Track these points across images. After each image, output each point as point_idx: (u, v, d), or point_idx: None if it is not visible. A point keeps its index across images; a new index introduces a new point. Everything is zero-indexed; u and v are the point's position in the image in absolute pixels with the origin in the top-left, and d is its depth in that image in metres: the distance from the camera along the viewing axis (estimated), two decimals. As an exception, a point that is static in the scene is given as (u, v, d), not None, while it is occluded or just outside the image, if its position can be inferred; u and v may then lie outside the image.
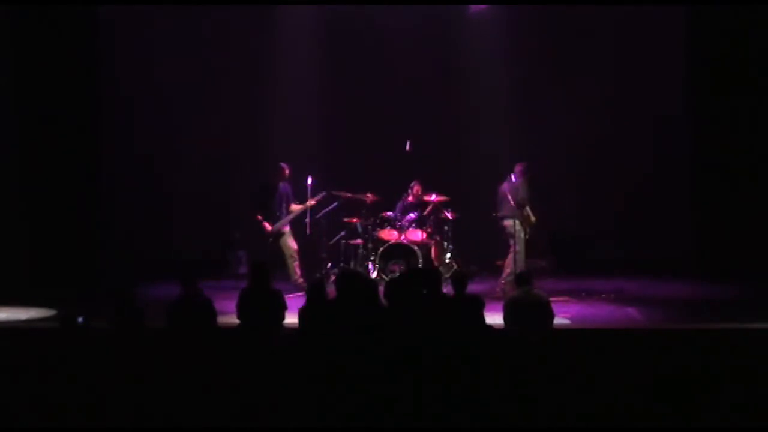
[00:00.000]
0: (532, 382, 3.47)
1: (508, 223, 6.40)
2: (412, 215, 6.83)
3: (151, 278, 6.56)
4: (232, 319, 4.54)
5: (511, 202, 6.34)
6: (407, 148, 6.91)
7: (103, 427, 3.31)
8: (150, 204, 7.70)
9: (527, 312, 4.33)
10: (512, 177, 6.59)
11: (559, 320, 4.76)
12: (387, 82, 7.81)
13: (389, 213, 6.87)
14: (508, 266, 6.34)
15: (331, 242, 7.00)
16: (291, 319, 4.47)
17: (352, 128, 7.85)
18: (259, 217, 6.54)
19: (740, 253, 6.91)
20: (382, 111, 7.82)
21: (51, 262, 6.97)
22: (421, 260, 6.51)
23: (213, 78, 7.79)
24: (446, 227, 6.91)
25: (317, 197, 6.56)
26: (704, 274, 6.96)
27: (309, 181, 6.60)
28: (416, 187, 6.94)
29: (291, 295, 5.61)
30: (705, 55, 7.31)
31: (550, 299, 4.53)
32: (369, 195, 6.78)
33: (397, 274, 6.16)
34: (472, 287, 4.61)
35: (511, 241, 6.38)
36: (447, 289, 4.71)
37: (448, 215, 6.85)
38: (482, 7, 7.80)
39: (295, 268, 6.50)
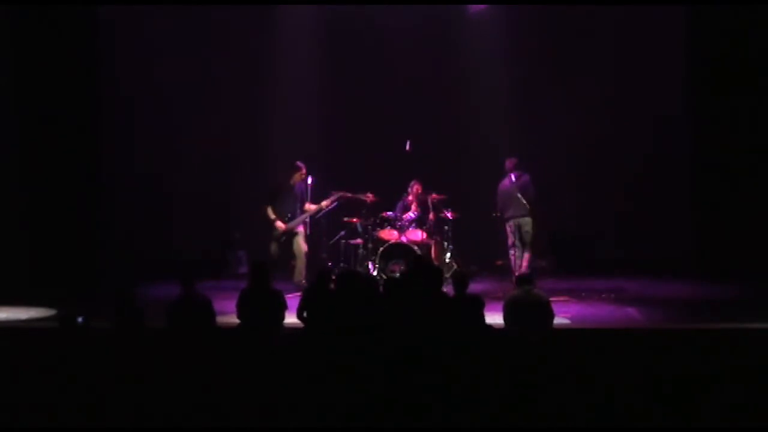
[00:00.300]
0: (532, 382, 3.46)
1: (524, 221, 6.37)
2: (411, 215, 6.83)
3: (151, 278, 6.55)
4: (232, 319, 4.53)
5: (524, 201, 6.32)
6: (407, 148, 6.91)
7: (103, 427, 3.31)
8: (150, 204, 7.69)
9: (527, 312, 4.32)
10: (512, 176, 6.59)
11: (559, 320, 4.75)
12: (387, 82, 7.81)
13: (389, 213, 6.87)
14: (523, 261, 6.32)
15: (331, 242, 7.00)
16: (291, 318, 4.47)
17: (352, 128, 7.86)
18: (273, 215, 6.50)
19: (740, 253, 6.90)
20: (382, 111, 7.83)
21: (51, 262, 6.96)
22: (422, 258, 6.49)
23: (213, 78, 7.79)
24: (446, 227, 6.90)
25: (332, 198, 6.54)
26: (704, 274, 6.95)
27: (309, 180, 6.59)
28: (416, 187, 6.94)
29: (291, 295, 5.61)
30: (705, 55, 7.31)
31: (550, 299, 4.53)
32: (369, 195, 6.77)
33: (397, 274, 6.16)
34: (472, 287, 4.57)
35: (520, 241, 6.34)
36: (447, 289, 4.69)
37: (448, 215, 6.85)
38: (482, 7, 7.79)
39: (302, 269, 6.48)
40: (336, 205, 6.76)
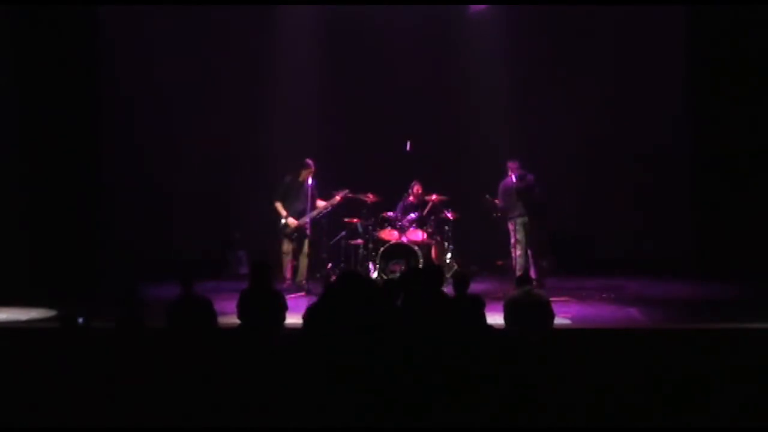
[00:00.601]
0: (533, 382, 3.45)
1: (523, 221, 6.41)
2: (412, 215, 6.82)
3: (151, 278, 6.53)
4: (233, 320, 4.52)
5: (525, 201, 6.36)
6: (407, 148, 6.90)
7: (103, 427, 3.31)
8: (150, 204, 7.68)
9: (527, 312, 4.32)
10: (513, 176, 6.59)
11: (559, 320, 4.74)
12: (387, 82, 7.80)
13: (390, 213, 6.86)
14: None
15: (332, 242, 6.99)
16: (292, 319, 4.46)
17: (352, 128, 7.85)
18: (284, 212, 6.47)
19: (740, 253, 6.90)
20: (382, 111, 7.82)
21: (51, 262, 6.95)
22: (421, 260, 6.50)
23: (213, 78, 7.77)
24: (447, 227, 6.90)
25: (341, 194, 6.52)
26: (704, 274, 6.95)
27: (309, 181, 6.59)
28: (416, 187, 6.94)
29: (292, 296, 5.61)
30: (705, 55, 7.31)
31: (551, 299, 4.53)
32: (370, 195, 6.76)
33: (398, 275, 6.16)
34: (473, 287, 4.57)
35: (524, 240, 6.38)
36: (448, 289, 4.69)
37: (449, 215, 6.84)
38: (482, 7, 7.78)
39: (304, 270, 6.46)
40: (337, 203, 6.74)
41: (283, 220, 6.52)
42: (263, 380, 3.52)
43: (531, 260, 6.55)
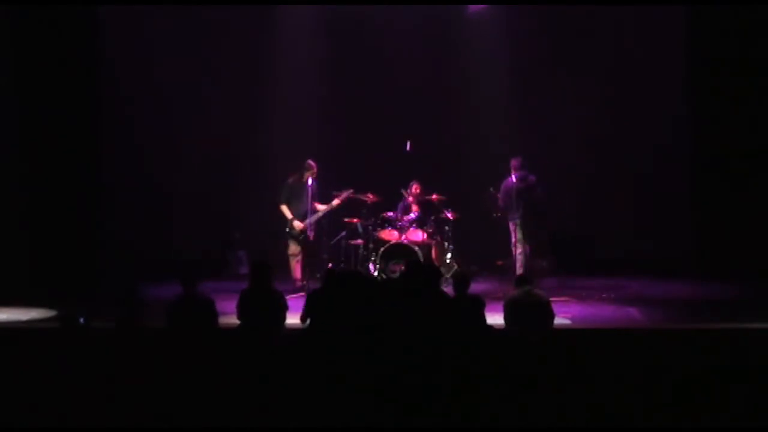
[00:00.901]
0: (533, 382, 3.45)
1: (523, 222, 6.44)
2: (412, 215, 6.82)
3: (151, 278, 6.51)
4: (233, 320, 4.51)
5: (535, 201, 6.39)
6: (407, 148, 6.89)
7: (104, 427, 3.30)
8: (150, 204, 7.65)
9: (527, 312, 4.31)
10: (514, 176, 6.60)
11: (559, 320, 4.73)
12: (387, 81, 7.78)
13: (390, 213, 6.85)
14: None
15: (332, 242, 6.98)
16: (292, 319, 4.46)
17: (352, 128, 7.83)
18: (290, 214, 6.46)
19: (740, 253, 6.88)
20: (382, 111, 7.81)
21: (51, 263, 6.93)
22: (422, 260, 6.49)
23: (213, 78, 7.75)
24: (447, 227, 6.88)
25: (342, 196, 6.50)
26: (704, 274, 6.93)
27: (309, 181, 6.58)
28: (414, 187, 6.93)
29: (292, 296, 5.61)
30: (705, 55, 7.29)
31: (551, 299, 4.52)
32: (370, 195, 6.75)
33: (398, 275, 6.16)
34: (473, 287, 4.57)
35: (524, 239, 6.40)
36: (448, 289, 4.69)
37: (449, 215, 6.84)
38: (481, 7, 7.77)
39: (304, 269, 6.43)
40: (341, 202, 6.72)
41: (289, 223, 6.49)
42: (263, 380, 3.52)
43: (528, 258, 6.55)
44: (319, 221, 6.71)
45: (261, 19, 7.77)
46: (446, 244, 6.90)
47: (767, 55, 7.03)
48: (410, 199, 6.94)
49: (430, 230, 6.80)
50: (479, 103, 7.78)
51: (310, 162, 6.53)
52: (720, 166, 7.27)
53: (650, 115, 7.66)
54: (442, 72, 7.85)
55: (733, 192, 7.15)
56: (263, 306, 4.36)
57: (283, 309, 4.42)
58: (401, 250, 6.57)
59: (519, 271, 6.42)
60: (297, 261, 6.49)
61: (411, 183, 6.94)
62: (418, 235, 6.73)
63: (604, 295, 6.29)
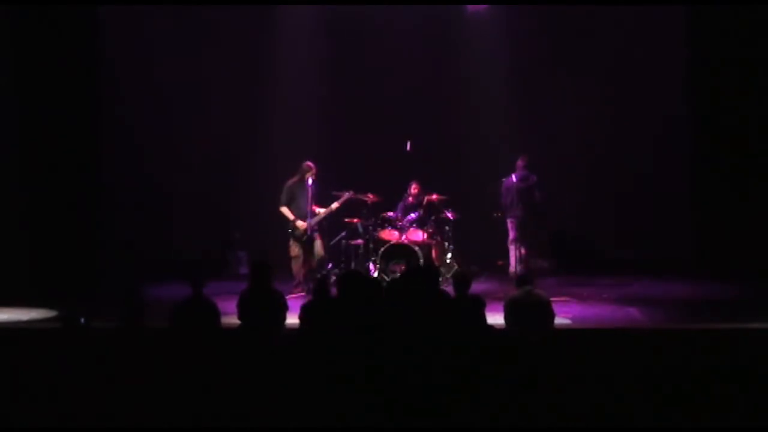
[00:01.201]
0: (533, 382, 3.43)
1: (523, 221, 6.42)
2: (412, 215, 6.80)
3: (151, 278, 6.50)
4: (233, 320, 4.50)
5: (534, 201, 6.39)
6: (407, 148, 6.88)
7: (104, 428, 3.30)
8: (150, 204, 7.65)
9: (528, 312, 4.29)
10: (514, 176, 6.59)
11: (559, 320, 4.71)
12: (387, 81, 7.77)
13: (390, 213, 6.84)
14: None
15: (332, 242, 6.97)
16: (292, 319, 4.45)
17: (352, 128, 7.82)
18: (292, 216, 6.40)
19: (741, 252, 6.83)
20: (382, 111, 7.80)
21: (51, 263, 6.92)
22: (422, 261, 6.49)
23: (213, 78, 7.74)
24: (447, 227, 6.86)
25: (342, 199, 6.45)
26: (705, 274, 6.91)
27: (309, 181, 6.57)
28: (413, 187, 6.91)
29: (292, 296, 5.60)
30: (705, 55, 7.28)
31: (551, 299, 4.49)
32: (370, 195, 6.73)
33: (398, 275, 6.15)
34: (473, 287, 4.55)
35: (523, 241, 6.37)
36: (448, 289, 4.68)
37: (449, 215, 6.82)
38: (480, 7, 7.75)
39: (304, 270, 6.36)
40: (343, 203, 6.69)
41: (292, 224, 6.42)
42: (263, 382, 3.50)
43: (523, 258, 6.53)
44: (319, 223, 6.69)
45: (261, 19, 7.78)
46: (446, 244, 6.89)
47: (767, 55, 7.03)
48: (410, 199, 6.92)
49: (431, 230, 6.79)
50: (479, 103, 7.77)
51: (309, 163, 6.50)
52: (720, 165, 7.26)
53: (650, 114, 7.64)
54: (442, 72, 7.84)
55: (733, 192, 7.13)
56: (263, 306, 4.33)
57: (283, 309, 4.38)
58: (401, 250, 6.56)
59: (512, 269, 6.41)
60: (298, 263, 6.44)
61: (410, 183, 6.92)
62: (418, 235, 6.72)
63: (604, 295, 6.28)
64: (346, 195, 6.49)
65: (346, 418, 3.24)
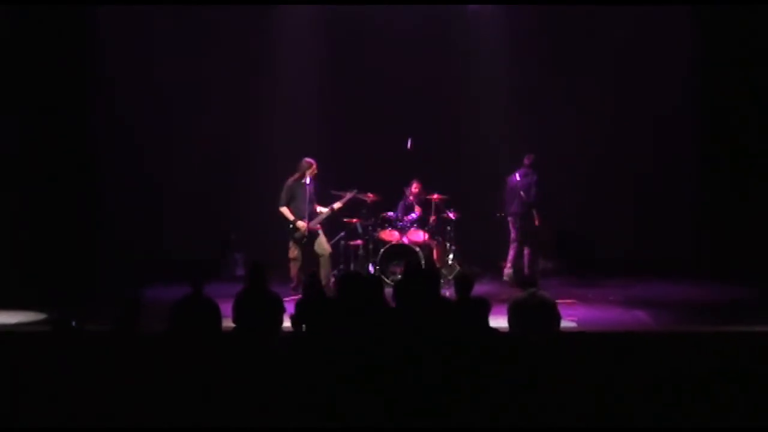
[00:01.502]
0: (538, 387, 3.38)
1: (523, 220, 6.36)
2: (413, 215, 6.70)
3: (147, 280, 6.43)
4: (228, 323, 4.41)
5: (529, 199, 6.33)
6: (408, 145, 6.79)
7: (98, 428, 3.21)
8: (147, 204, 7.60)
9: (532, 315, 4.22)
10: (517, 174, 6.49)
11: (565, 323, 4.68)
12: (387, 81, 7.72)
13: (390, 213, 6.73)
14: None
15: (331, 243, 6.87)
16: (289, 322, 4.34)
17: (352, 128, 7.77)
18: (292, 216, 6.21)
19: (752, 253, 6.80)
20: (382, 111, 7.74)
21: (44, 264, 6.84)
22: (422, 261, 6.37)
23: (213, 78, 7.69)
24: (449, 227, 6.78)
25: (345, 199, 6.30)
26: (716, 276, 6.84)
27: (307, 180, 6.44)
28: (414, 186, 6.80)
29: (289, 299, 5.50)
30: (707, 54, 7.28)
31: (557, 301, 4.42)
32: (369, 194, 6.62)
33: (399, 276, 6.04)
34: (476, 289, 4.45)
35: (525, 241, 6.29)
36: (450, 291, 4.58)
37: (451, 215, 6.73)
38: (481, 6, 7.68)
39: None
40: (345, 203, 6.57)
41: (291, 225, 6.25)
42: (260, 386, 3.45)
43: (527, 259, 6.41)
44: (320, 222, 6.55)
45: (261, 19, 7.73)
46: (448, 244, 6.81)
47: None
48: (411, 198, 6.82)
49: (432, 230, 6.68)
50: (480, 103, 7.71)
51: (309, 160, 6.32)
52: (727, 165, 7.24)
53: (658, 114, 7.57)
54: (443, 72, 7.78)
55: (744, 192, 7.11)
56: (259, 308, 4.26)
57: (280, 311, 4.34)
58: (402, 250, 6.46)
59: (507, 269, 6.32)
60: (297, 265, 6.26)
61: (411, 182, 6.82)
62: (419, 236, 6.64)
63: (611, 298, 6.20)
64: (349, 194, 6.35)
65: (345, 419, 3.19)
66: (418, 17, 7.69)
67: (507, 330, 4.28)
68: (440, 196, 6.75)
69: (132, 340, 3.80)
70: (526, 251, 6.56)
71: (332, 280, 6.08)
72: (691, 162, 7.50)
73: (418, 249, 6.45)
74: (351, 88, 7.79)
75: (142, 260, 7.09)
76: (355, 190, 6.37)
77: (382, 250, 6.50)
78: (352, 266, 6.67)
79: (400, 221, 6.66)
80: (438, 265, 6.49)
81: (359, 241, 6.75)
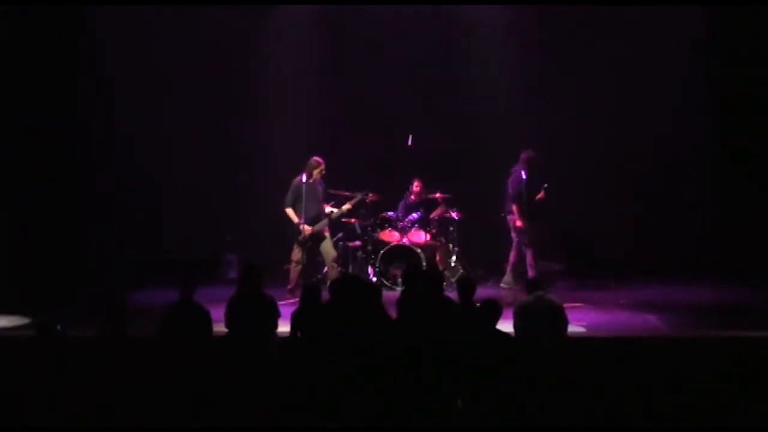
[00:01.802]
0: (545, 394, 3.30)
1: (510, 219, 6.26)
2: (414, 215, 6.51)
3: (140, 282, 6.34)
4: (220, 328, 4.25)
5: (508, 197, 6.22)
6: (409, 142, 6.62)
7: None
8: (142, 205, 7.53)
9: (539, 319, 4.09)
10: (522, 172, 6.33)
11: (573, 328, 4.51)
12: (387, 81, 7.67)
13: (390, 213, 6.56)
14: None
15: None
16: (285, 327, 4.18)
17: (352, 128, 7.70)
18: (297, 219, 6.00)
19: (759, 254, 6.72)
20: (382, 111, 7.69)
21: (32, 266, 6.75)
22: (424, 264, 6.17)
23: (213, 78, 7.66)
24: (451, 228, 6.66)
25: (354, 201, 6.15)
26: (729, 278, 6.73)
27: (304, 179, 6.24)
28: (416, 184, 6.63)
29: (285, 302, 5.32)
30: (710, 54, 7.24)
31: (564, 305, 4.30)
32: (369, 193, 6.45)
33: (399, 279, 5.85)
34: (480, 293, 4.29)
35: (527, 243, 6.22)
36: (453, 294, 4.40)
37: (454, 215, 6.56)
38: (482, 7, 7.64)
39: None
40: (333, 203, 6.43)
41: (294, 227, 6.05)
42: (253, 394, 3.34)
43: (529, 261, 6.32)
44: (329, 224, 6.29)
45: (261, 19, 7.72)
46: (451, 246, 6.67)
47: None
48: (413, 197, 6.64)
49: (434, 231, 6.55)
50: (482, 101, 7.63)
51: (317, 158, 6.12)
52: (740, 164, 7.15)
53: (667, 114, 7.49)
54: (445, 70, 7.73)
55: (760, 192, 7.02)
56: (254, 312, 4.11)
57: (275, 316, 4.19)
58: (402, 252, 6.31)
59: (509, 268, 6.25)
60: (297, 269, 6.06)
61: (412, 180, 6.67)
62: (420, 237, 6.51)
63: (621, 301, 6.08)
64: (360, 196, 6.17)
65: (345, 419, 3.17)
66: (419, 17, 7.65)
67: (512, 334, 4.13)
68: (443, 195, 6.60)
69: (119, 346, 3.69)
70: (528, 252, 6.37)
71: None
72: (692, 162, 7.44)
73: (419, 250, 6.27)
74: (351, 87, 7.74)
75: (140, 261, 7.00)
76: (366, 192, 6.20)
77: (381, 251, 6.32)
78: (350, 268, 6.48)
79: (401, 221, 6.50)
80: (440, 268, 6.30)
81: (358, 243, 6.60)
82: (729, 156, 7.09)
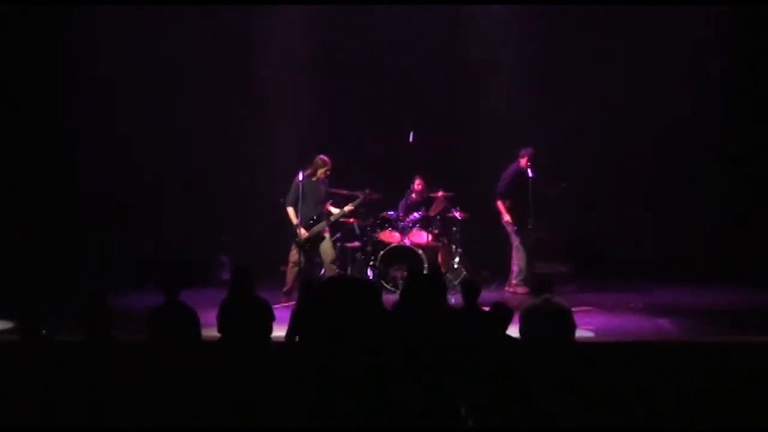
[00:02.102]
0: (553, 400, 3.24)
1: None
2: (416, 215, 6.35)
3: (132, 285, 6.26)
4: (212, 332, 4.15)
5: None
6: (410, 139, 6.47)
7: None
8: (138, 206, 7.47)
9: (546, 322, 4.01)
10: (529, 170, 6.19)
11: (581, 332, 4.45)
12: (387, 81, 7.62)
13: (391, 212, 6.41)
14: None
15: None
16: (279, 331, 4.05)
17: (352, 127, 7.63)
18: (296, 220, 5.82)
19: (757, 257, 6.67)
20: (382, 110, 7.63)
21: (16, 269, 6.62)
22: (426, 265, 6.00)
23: (212, 78, 7.60)
24: (454, 228, 6.52)
25: (356, 202, 6.00)
26: (741, 281, 6.59)
27: (301, 177, 6.07)
28: (417, 183, 6.48)
29: (280, 305, 5.17)
30: (711, 54, 7.20)
31: (572, 309, 4.20)
32: (368, 192, 6.27)
33: (399, 281, 5.69)
34: (484, 296, 4.16)
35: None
36: (456, 297, 4.24)
37: (457, 215, 6.40)
38: (483, 6, 7.60)
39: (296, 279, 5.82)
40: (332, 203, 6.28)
41: (293, 228, 5.87)
42: (245, 399, 3.27)
43: (516, 262, 6.28)
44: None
45: (260, 19, 7.69)
46: (454, 247, 6.54)
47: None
48: (414, 196, 6.48)
49: (436, 231, 6.40)
50: (485, 100, 7.57)
51: (323, 157, 5.94)
52: (753, 166, 7.08)
53: (681, 112, 7.39)
54: (446, 69, 7.68)
55: (751, 196, 7.05)
56: (246, 315, 3.98)
57: (269, 319, 4.05)
58: (403, 253, 6.15)
59: (514, 268, 6.19)
60: (294, 271, 5.88)
61: (414, 178, 6.54)
62: (422, 237, 6.37)
63: (631, 305, 5.94)
64: (361, 196, 6.05)
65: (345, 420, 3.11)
66: (419, 17, 7.63)
67: (519, 339, 4.03)
68: (445, 194, 6.48)
69: (105, 351, 3.61)
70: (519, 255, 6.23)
71: None
72: (693, 162, 7.37)
73: (420, 252, 6.11)
74: (350, 87, 7.68)
75: (139, 261, 6.91)
76: (366, 190, 6.05)
77: (381, 252, 6.17)
78: (349, 270, 6.32)
79: (402, 221, 6.33)
80: (443, 270, 6.13)
81: (357, 243, 6.46)
82: (740, 157, 7.03)
